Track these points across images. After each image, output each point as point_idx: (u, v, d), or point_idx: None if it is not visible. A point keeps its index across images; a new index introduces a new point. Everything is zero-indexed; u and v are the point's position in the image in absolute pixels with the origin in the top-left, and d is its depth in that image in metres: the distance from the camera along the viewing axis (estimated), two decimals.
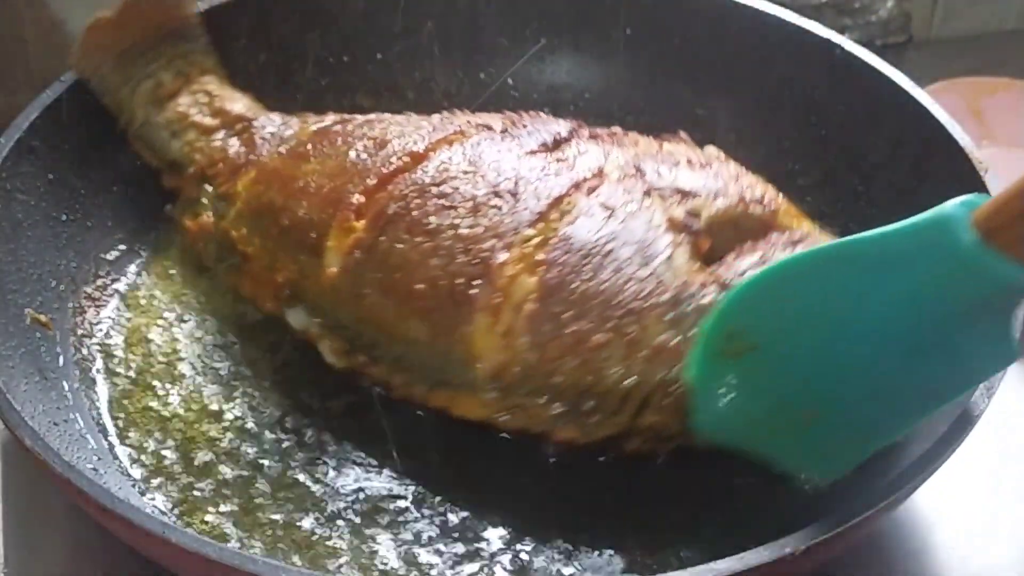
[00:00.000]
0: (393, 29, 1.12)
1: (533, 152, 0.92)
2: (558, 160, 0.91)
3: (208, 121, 1.01)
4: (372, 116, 1.00)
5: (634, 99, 1.06)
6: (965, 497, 0.90)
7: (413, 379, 0.88)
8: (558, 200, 0.87)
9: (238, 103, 1.03)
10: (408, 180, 0.90)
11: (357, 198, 0.91)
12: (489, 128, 0.95)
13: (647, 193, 0.88)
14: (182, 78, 1.03)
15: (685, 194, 0.89)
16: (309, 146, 0.96)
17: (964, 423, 0.79)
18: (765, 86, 1.07)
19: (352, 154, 0.94)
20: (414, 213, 0.88)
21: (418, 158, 0.92)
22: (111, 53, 1.01)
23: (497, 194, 0.88)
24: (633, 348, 0.82)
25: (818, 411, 0.78)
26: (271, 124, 1.01)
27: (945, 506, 0.89)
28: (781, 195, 0.92)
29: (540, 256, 0.85)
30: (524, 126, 0.95)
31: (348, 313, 0.90)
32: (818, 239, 0.89)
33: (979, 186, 0.91)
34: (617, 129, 0.97)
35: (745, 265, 0.85)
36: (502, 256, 0.85)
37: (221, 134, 1.01)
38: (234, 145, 1.00)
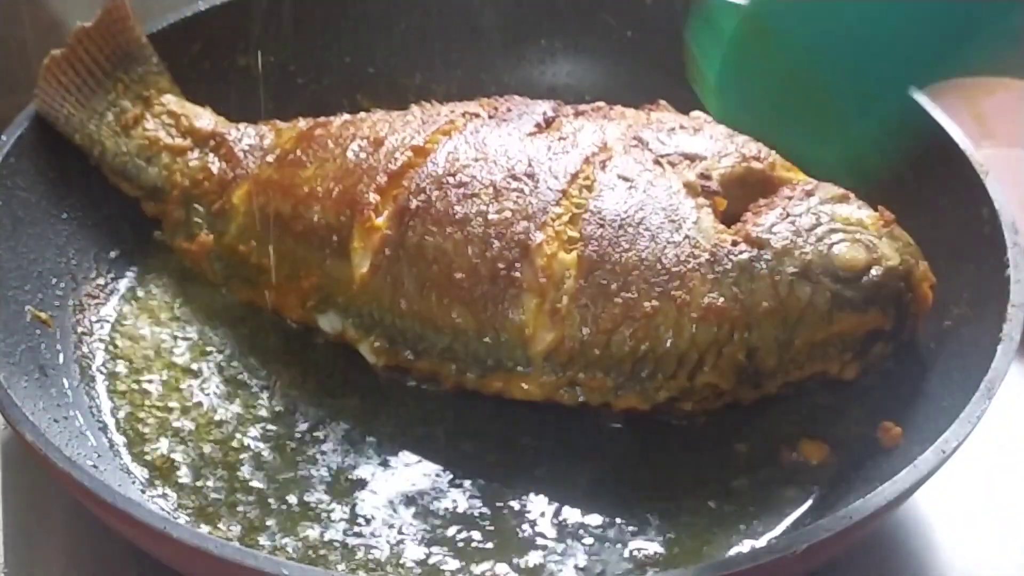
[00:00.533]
0: (394, 30, 1.12)
1: (532, 133, 0.94)
2: (560, 139, 0.93)
3: (179, 142, 1.00)
4: (347, 117, 1.00)
5: (635, 101, 1.05)
6: (965, 497, 0.89)
7: (464, 368, 0.89)
8: (575, 176, 0.89)
9: (204, 119, 1.02)
10: (421, 174, 0.91)
11: (373, 197, 0.91)
12: (476, 115, 0.96)
13: (657, 162, 0.91)
14: (142, 102, 1.01)
15: (692, 158, 0.92)
16: (299, 152, 0.96)
17: (964, 426, 0.78)
18: None
19: (350, 155, 0.94)
20: (437, 205, 0.89)
21: (421, 152, 0.93)
22: (71, 89, 1.00)
23: (515, 177, 0.90)
24: (683, 311, 0.85)
25: (844, 98, 0.76)
26: (247, 136, 1.00)
27: (945, 506, 0.89)
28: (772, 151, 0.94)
29: (572, 233, 0.87)
30: (509, 109, 0.97)
31: (387, 311, 0.90)
32: (827, 187, 0.91)
33: (979, 190, 0.92)
34: (600, 104, 0.99)
35: (770, 220, 0.88)
36: (538, 237, 0.87)
37: (196, 153, 1.00)
38: (215, 162, 0.99)
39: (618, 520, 0.84)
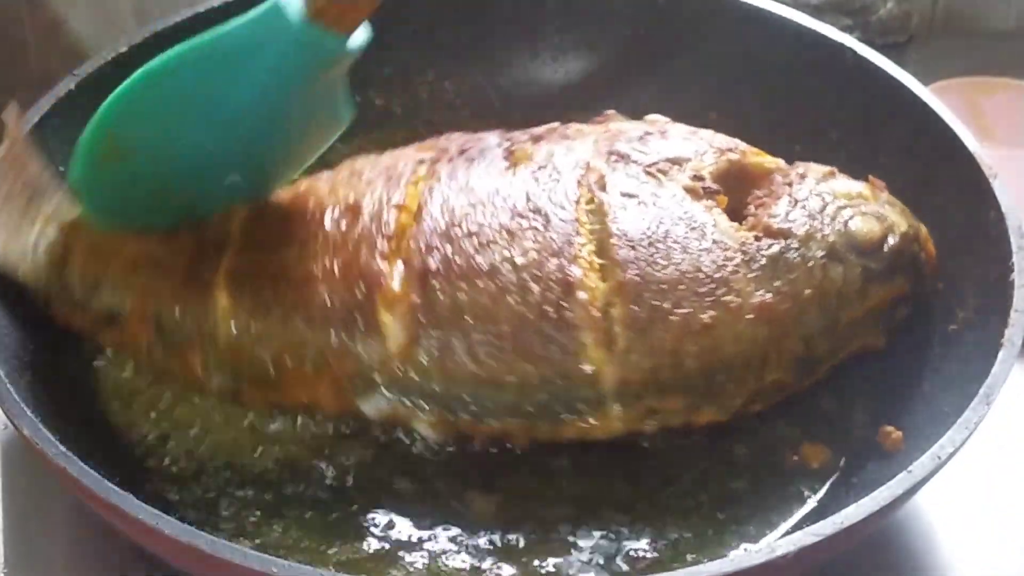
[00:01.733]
0: (407, 26, 1.11)
1: (507, 167, 0.90)
2: (539, 167, 0.90)
3: (128, 261, 0.88)
4: (314, 182, 0.92)
5: (646, 101, 1.05)
6: (967, 498, 0.89)
7: (534, 421, 0.84)
8: (577, 202, 0.87)
9: (133, 242, 0.89)
10: (424, 231, 0.86)
11: (383, 265, 0.85)
12: (436, 160, 0.91)
13: (648, 173, 0.90)
14: (64, 232, 0.90)
15: (676, 162, 0.91)
16: (265, 237, 0.88)
17: (960, 431, 0.78)
18: (777, 89, 1.06)
19: (330, 227, 0.87)
20: (456, 260, 0.84)
21: (410, 209, 0.87)
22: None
23: (521, 215, 0.86)
24: (738, 315, 0.84)
25: (190, 195, 0.89)
26: (192, 236, 0.88)
27: (946, 506, 0.88)
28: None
29: (602, 260, 0.85)
30: (463, 149, 0.92)
31: (437, 380, 0.84)
32: (812, 167, 0.92)
33: (988, 193, 0.91)
34: (554, 124, 0.96)
35: (783, 209, 0.88)
36: (576, 271, 0.84)
37: (152, 264, 0.88)
38: (170, 269, 0.88)
39: (616, 522, 0.84)
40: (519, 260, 0.84)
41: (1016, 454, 0.93)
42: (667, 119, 0.97)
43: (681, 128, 0.95)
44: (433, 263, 0.84)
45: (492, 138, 0.93)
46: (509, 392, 0.83)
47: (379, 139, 1.11)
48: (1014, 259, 0.86)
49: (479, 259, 0.84)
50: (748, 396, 0.86)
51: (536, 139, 0.93)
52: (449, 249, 0.85)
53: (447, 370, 0.83)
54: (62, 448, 0.78)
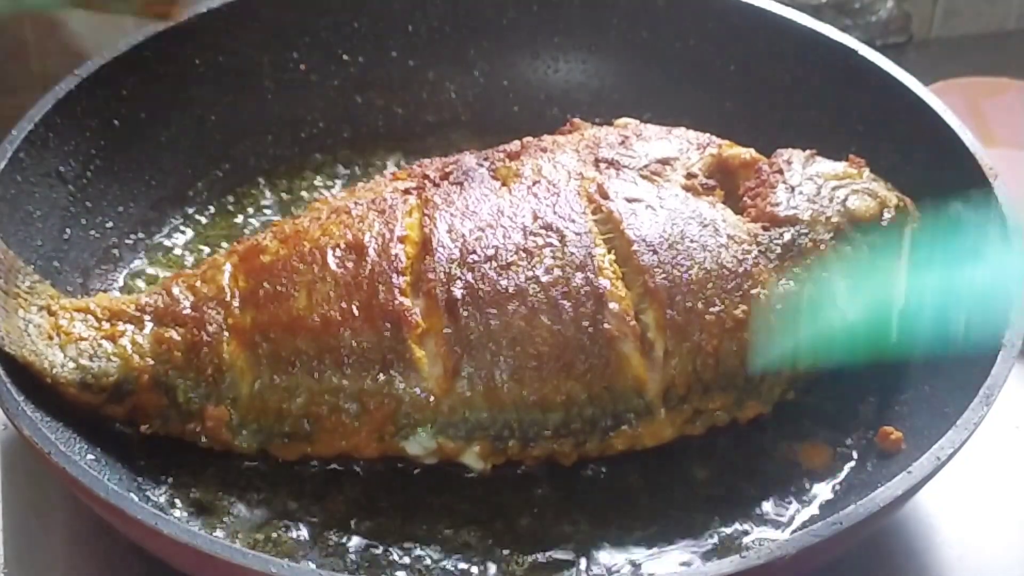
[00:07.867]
0: (408, 27, 1.11)
1: (500, 185, 0.90)
2: (533, 182, 0.89)
3: (111, 327, 0.87)
4: (297, 224, 0.90)
5: (650, 101, 1.05)
6: (966, 498, 0.89)
7: (583, 437, 0.84)
8: (584, 213, 0.87)
9: (117, 301, 0.89)
10: (440, 261, 0.85)
11: (405, 300, 0.84)
12: (420, 188, 0.90)
13: (643, 176, 0.90)
14: (47, 311, 0.87)
15: (666, 162, 0.91)
16: (268, 285, 0.86)
17: (960, 432, 0.77)
18: (780, 90, 1.05)
19: (336, 269, 0.86)
20: (481, 285, 0.84)
21: (414, 240, 0.87)
22: None
23: (533, 233, 0.86)
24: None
25: None
26: (186, 294, 0.88)
27: (946, 506, 0.88)
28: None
29: (624, 268, 0.85)
30: (446, 172, 0.92)
31: (482, 409, 0.83)
32: (795, 153, 0.93)
33: (988, 193, 0.90)
34: (528, 138, 0.95)
35: (782, 197, 0.89)
36: (604, 282, 0.83)
37: (133, 328, 0.87)
38: (171, 331, 0.86)
39: (615, 524, 0.84)
40: (544, 278, 0.83)
41: (1016, 454, 0.93)
42: (636, 121, 0.96)
43: (654, 128, 0.95)
44: (458, 292, 0.83)
45: (469, 159, 0.93)
46: (557, 412, 0.83)
47: (380, 138, 1.11)
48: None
49: (504, 282, 0.83)
50: (787, 384, 0.86)
51: (512, 156, 0.93)
52: (471, 276, 0.84)
53: (491, 397, 0.83)
54: (62, 448, 0.77)
